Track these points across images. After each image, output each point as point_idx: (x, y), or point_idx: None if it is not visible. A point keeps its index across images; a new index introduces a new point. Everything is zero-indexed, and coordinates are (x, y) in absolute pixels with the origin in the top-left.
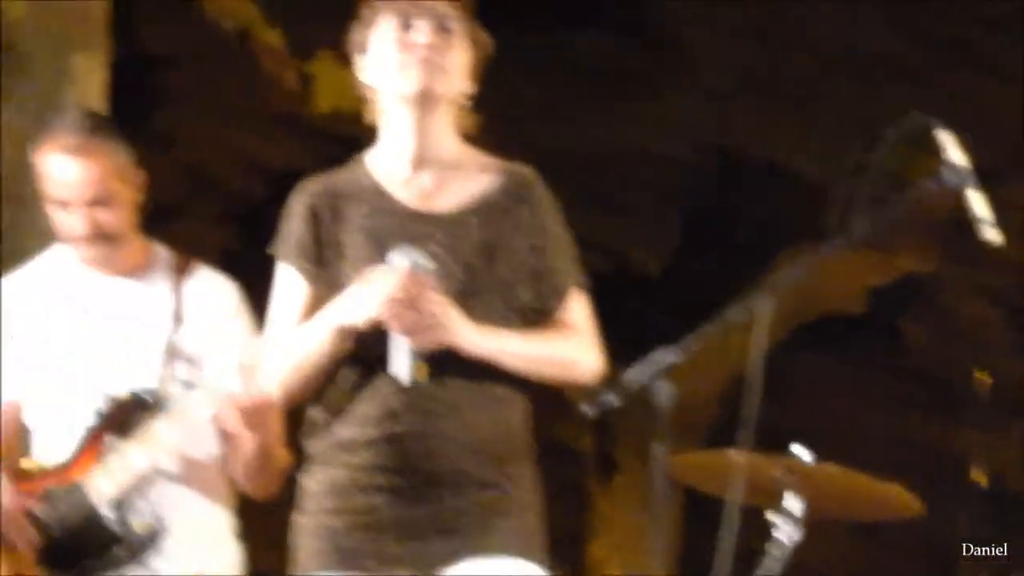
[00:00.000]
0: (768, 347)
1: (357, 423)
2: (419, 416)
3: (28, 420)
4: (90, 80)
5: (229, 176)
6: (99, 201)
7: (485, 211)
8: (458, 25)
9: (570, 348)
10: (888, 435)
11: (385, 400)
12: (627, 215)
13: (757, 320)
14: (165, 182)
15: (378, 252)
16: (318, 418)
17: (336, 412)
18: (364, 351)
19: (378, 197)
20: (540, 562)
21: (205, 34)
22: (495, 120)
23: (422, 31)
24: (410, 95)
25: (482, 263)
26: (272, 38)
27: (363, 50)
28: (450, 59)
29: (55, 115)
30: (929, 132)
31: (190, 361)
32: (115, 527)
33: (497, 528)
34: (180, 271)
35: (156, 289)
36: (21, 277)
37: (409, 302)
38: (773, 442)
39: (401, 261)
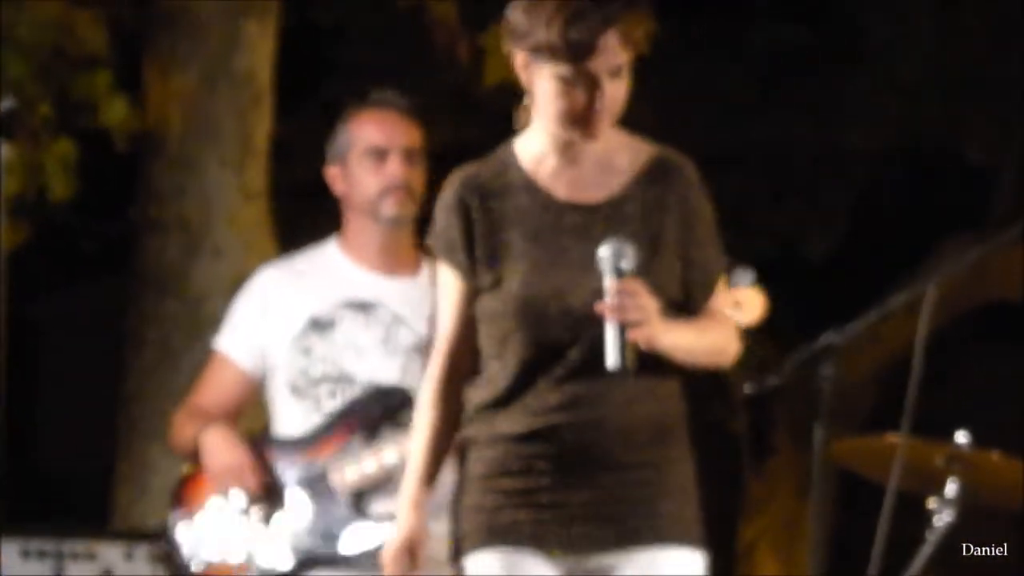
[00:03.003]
0: (930, 334)
1: (519, 414)
2: (579, 407)
3: (271, 392)
4: (260, 47)
5: None
6: (411, 158)
7: (639, 197)
8: (627, 63)
9: (722, 337)
10: None
11: (546, 394)
12: (797, 202)
13: (922, 307)
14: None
15: (538, 246)
16: (479, 406)
17: (497, 404)
18: (530, 348)
19: (530, 190)
20: (697, 546)
21: (376, 5)
22: (673, 110)
23: (594, 89)
24: (567, 141)
25: (645, 253)
26: (445, 10)
27: (529, 58)
28: (616, 102)
29: (225, 81)
30: None
31: None
32: (352, 515)
33: (654, 514)
34: None
35: (419, 293)
36: (294, 261)
37: (632, 296)
38: (933, 429)
39: (607, 254)
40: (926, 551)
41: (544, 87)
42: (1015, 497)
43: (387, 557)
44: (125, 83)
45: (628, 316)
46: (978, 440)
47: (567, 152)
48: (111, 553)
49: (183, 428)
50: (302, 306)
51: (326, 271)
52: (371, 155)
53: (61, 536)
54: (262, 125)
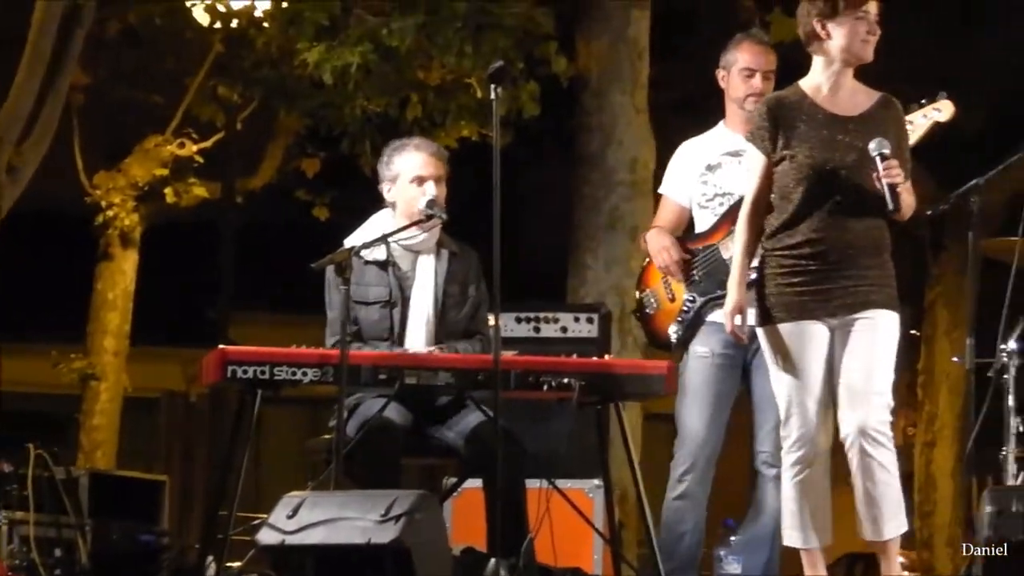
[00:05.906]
0: None
1: (797, 235)
2: (836, 230)
3: (692, 209)
4: (641, 22)
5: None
6: (768, 76)
7: (870, 117)
8: (879, 22)
9: (912, 199)
10: None
11: (817, 221)
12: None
13: None
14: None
15: (815, 137)
16: (774, 230)
17: (786, 227)
18: (808, 194)
19: (810, 106)
20: (896, 310)
21: None
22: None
23: (875, 24)
24: (837, 72)
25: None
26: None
27: (830, 22)
28: (874, 41)
29: (622, 44)
30: None
31: None
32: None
33: (876, 292)
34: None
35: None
36: (701, 137)
37: (896, 168)
38: None
39: (876, 144)
40: None
41: (839, 31)
42: None
43: (725, 317)
44: (565, 48)
45: (896, 179)
46: None
47: (833, 85)
48: (567, 318)
49: (648, 241)
50: (702, 158)
51: (715, 138)
52: (745, 72)
53: (537, 310)
54: (644, 70)
